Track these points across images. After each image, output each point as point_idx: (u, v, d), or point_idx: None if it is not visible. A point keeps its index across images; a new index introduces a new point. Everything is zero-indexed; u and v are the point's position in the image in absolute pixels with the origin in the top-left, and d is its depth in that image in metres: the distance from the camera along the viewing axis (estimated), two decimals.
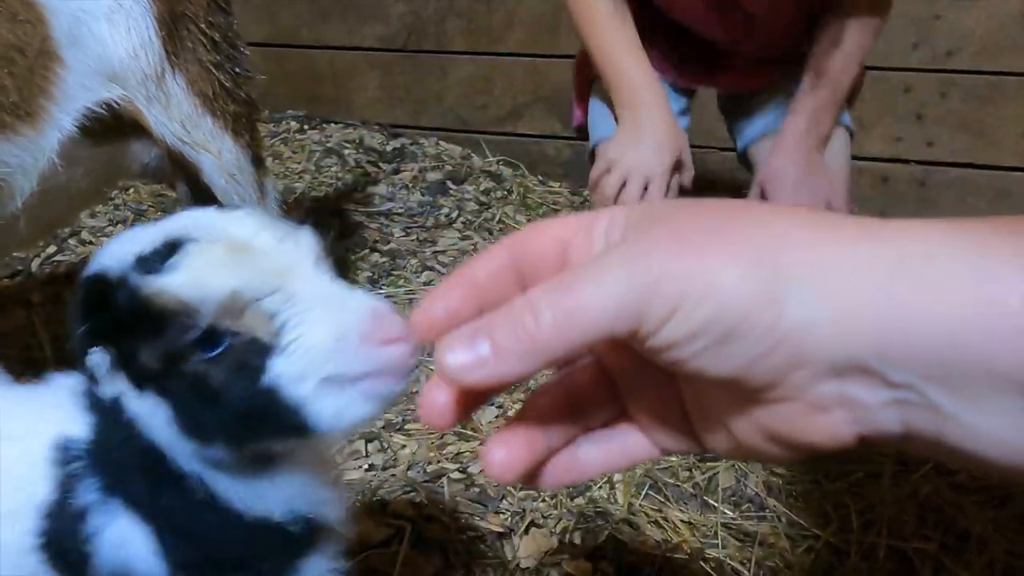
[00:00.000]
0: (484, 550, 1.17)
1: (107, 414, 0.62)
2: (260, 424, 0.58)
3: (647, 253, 0.37)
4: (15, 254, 1.94)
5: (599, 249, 0.42)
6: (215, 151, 1.24)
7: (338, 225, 2.20)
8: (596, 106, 1.56)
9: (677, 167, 1.42)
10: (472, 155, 2.66)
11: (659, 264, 0.36)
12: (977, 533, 1.25)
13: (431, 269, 2.03)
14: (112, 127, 1.18)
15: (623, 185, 1.39)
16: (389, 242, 2.15)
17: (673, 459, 1.40)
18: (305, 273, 0.57)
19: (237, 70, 1.28)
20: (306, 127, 2.82)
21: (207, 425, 0.58)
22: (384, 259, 2.07)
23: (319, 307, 0.56)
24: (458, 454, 1.37)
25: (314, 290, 0.56)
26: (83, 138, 1.14)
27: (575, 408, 0.46)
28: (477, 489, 1.29)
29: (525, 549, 1.18)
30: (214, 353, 0.55)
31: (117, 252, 0.58)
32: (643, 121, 1.37)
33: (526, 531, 1.21)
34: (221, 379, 0.56)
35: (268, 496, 0.63)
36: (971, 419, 0.34)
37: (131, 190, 2.32)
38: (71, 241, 2.07)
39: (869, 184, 2.29)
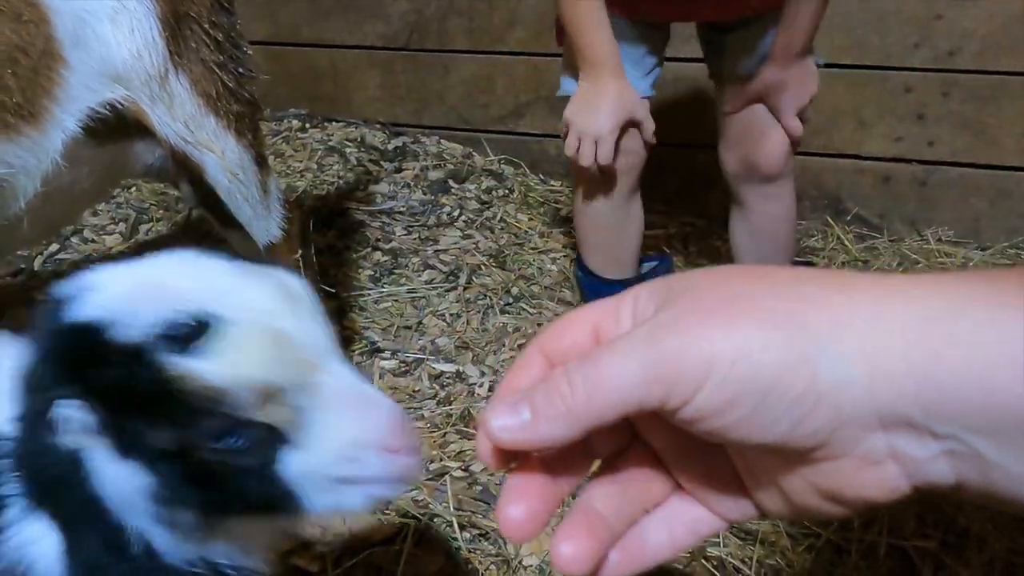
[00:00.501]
0: (487, 548, 1.18)
1: (43, 448, 0.56)
2: (251, 505, 0.57)
3: (670, 324, 0.39)
4: (18, 252, 1.94)
5: (627, 329, 0.43)
6: (218, 151, 1.25)
7: (340, 224, 2.20)
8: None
9: (632, 125, 1.50)
10: (473, 154, 2.67)
11: (683, 334, 0.38)
12: (977, 531, 1.25)
13: (433, 268, 2.04)
14: (116, 127, 1.18)
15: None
16: (391, 240, 2.16)
17: None
18: (329, 364, 0.56)
19: (240, 70, 1.29)
20: (307, 126, 2.82)
21: (190, 499, 0.56)
22: (386, 257, 2.08)
23: (341, 406, 0.55)
24: (460, 452, 1.38)
25: (337, 385, 0.56)
26: (86, 139, 1.14)
27: (628, 492, 0.46)
28: (480, 487, 1.29)
29: (528, 547, 1.18)
30: (232, 443, 0.54)
31: (127, 309, 0.54)
32: (598, 85, 1.45)
33: None
34: (231, 467, 0.54)
35: (211, 551, 0.61)
36: (1018, 468, 0.34)
37: (133, 188, 2.32)
38: (74, 239, 2.08)
39: (870, 184, 2.30)
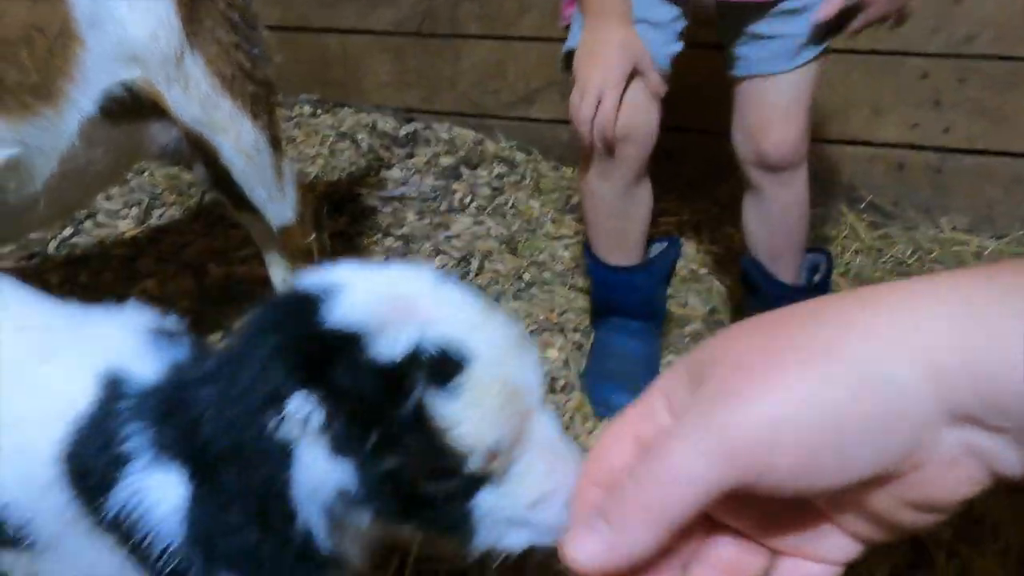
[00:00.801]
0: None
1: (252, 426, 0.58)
2: (429, 526, 0.60)
3: (718, 398, 0.37)
4: (32, 236, 1.95)
5: (667, 424, 0.42)
6: (233, 133, 1.25)
7: (352, 209, 2.20)
8: (577, 15, 1.49)
9: (636, 74, 1.38)
10: (485, 140, 2.66)
11: (736, 402, 0.36)
12: (992, 521, 1.25)
13: (445, 253, 2.03)
14: (131, 108, 1.18)
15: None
16: (403, 226, 2.16)
17: None
18: (539, 412, 0.58)
19: (255, 51, 1.28)
20: (319, 111, 2.82)
21: (379, 508, 0.58)
22: (398, 243, 2.08)
23: (543, 459, 0.57)
24: None
25: (540, 437, 0.58)
26: (102, 119, 1.15)
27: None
28: None
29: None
30: (447, 484, 0.56)
31: (384, 324, 0.55)
32: (600, 33, 1.34)
33: None
34: (436, 494, 0.57)
35: (347, 544, 0.65)
36: None
37: (146, 173, 2.32)
38: (87, 223, 2.08)
39: (884, 171, 2.28)
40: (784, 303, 1.60)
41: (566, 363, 1.62)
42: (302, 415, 0.54)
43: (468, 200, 2.30)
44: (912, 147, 2.23)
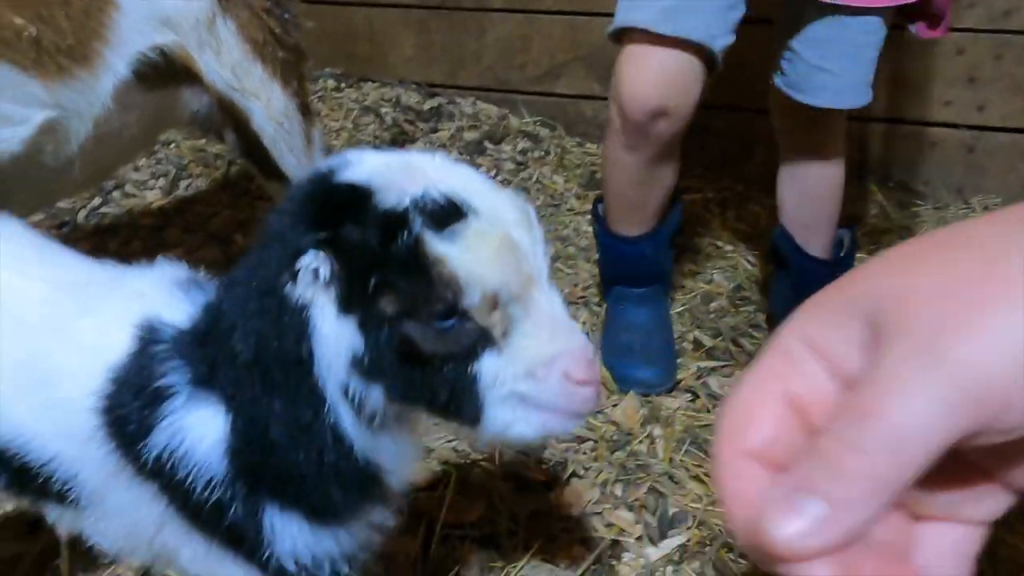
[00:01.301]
0: (527, 498, 1.19)
1: (249, 311, 0.61)
2: (439, 397, 0.60)
3: (934, 336, 0.32)
4: (62, 205, 1.97)
5: (828, 380, 0.37)
6: (264, 99, 1.25)
7: None
8: None
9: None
10: (509, 115, 2.64)
11: (963, 340, 0.31)
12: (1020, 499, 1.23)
13: None
14: (164, 73, 1.18)
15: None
16: None
17: (713, 417, 1.40)
18: (543, 285, 0.60)
19: (286, 16, 1.28)
20: (343, 85, 2.81)
21: (387, 372, 0.59)
22: None
23: (542, 325, 0.59)
24: None
25: (546, 306, 0.59)
26: (136, 83, 1.15)
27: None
28: None
29: (567, 499, 1.19)
30: (446, 325, 0.57)
31: (388, 181, 0.58)
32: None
33: (568, 481, 1.22)
34: (437, 349, 0.58)
35: (377, 447, 0.65)
36: None
37: (172, 145, 2.34)
38: (115, 194, 2.10)
39: (915, 149, 2.24)
40: (812, 277, 1.61)
41: (590, 336, 1.62)
42: (313, 268, 0.57)
43: (492, 175, 2.29)
44: (945, 125, 2.19)
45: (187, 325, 0.68)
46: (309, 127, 1.36)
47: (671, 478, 1.25)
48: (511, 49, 2.63)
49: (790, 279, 1.58)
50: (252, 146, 1.34)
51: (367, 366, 0.59)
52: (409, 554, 1.04)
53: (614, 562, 1.10)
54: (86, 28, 1.06)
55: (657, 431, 1.35)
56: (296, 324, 0.59)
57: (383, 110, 2.65)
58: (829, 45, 1.32)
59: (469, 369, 0.58)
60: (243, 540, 0.66)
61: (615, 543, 1.13)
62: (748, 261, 1.95)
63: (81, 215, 2.00)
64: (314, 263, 0.57)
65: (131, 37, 1.11)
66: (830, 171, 1.51)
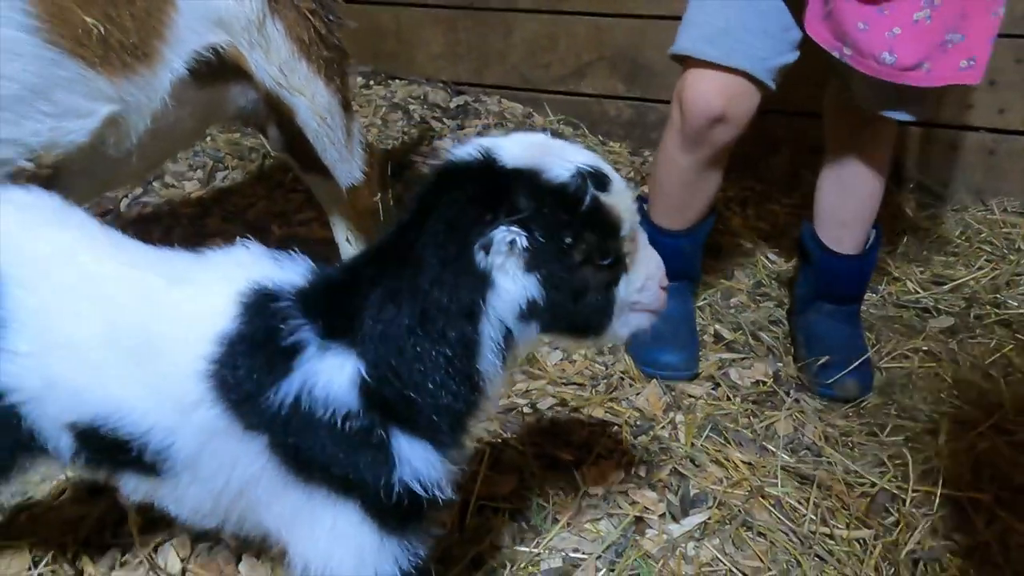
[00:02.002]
0: (556, 476, 1.25)
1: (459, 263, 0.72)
2: (582, 319, 0.78)
3: None
4: (106, 194, 2.05)
5: None
6: (309, 95, 1.31)
7: (407, 176, 2.26)
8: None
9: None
10: (533, 114, 2.70)
11: None
12: None
13: None
14: (216, 70, 1.25)
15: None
16: None
17: (733, 406, 1.45)
18: (637, 216, 0.79)
19: (330, 16, 1.35)
20: (372, 82, 2.88)
21: (555, 310, 0.75)
22: None
23: (644, 250, 0.80)
24: (526, 391, 1.44)
25: (641, 234, 0.80)
26: (191, 80, 1.22)
27: None
28: (547, 422, 1.36)
29: (593, 478, 1.25)
30: (607, 262, 0.76)
31: (540, 158, 0.73)
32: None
33: (595, 462, 1.28)
34: (595, 282, 0.76)
35: (496, 380, 0.78)
36: None
37: (209, 138, 2.41)
38: (155, 184, 2.18)
39: (937, 151, 2.27)
40: (835, 272, 1.66)
41: None
42: (507, 241, 0.71)
43: None
44: (965, 128, 2.22)
45: (304, 286, 0.76)
46: (350, 122, 1.43)
47: (692, 461, 1.31)
48: (537, 48, 2.68)
49: (813, 272, 1.63)
50: (295, 140, 1.41)
51: (540, 309, 0.74)
52: (447, 523, 1.10)
53: (638, 537, 1.16)
54: (148, 27, 1.13)
55: (679, 418, 1.41)
56: (478, 286, 0.72)
57: (411, 107, 2.72)
58: None
59: (612, 291, 0.78)
60: (359, 475, 0.73)
61: (639, 520, 1.19)
62: (768, 258, 2.00)
63: (124, 204, 2.09)
64: (508, 237, 0.70)
65: (188, 36, 1.18)
66: (874, 174, 1.54)
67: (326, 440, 0.72)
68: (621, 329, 0.81)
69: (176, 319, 0.76)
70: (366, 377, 0.72)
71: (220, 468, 0.76)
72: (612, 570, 1.11)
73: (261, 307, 0.74)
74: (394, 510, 0.75)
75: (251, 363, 0.73)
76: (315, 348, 0.73)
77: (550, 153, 0.73)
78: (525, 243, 0.71)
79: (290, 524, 0.78)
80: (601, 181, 0.74)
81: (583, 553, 1.13)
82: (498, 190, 0.71)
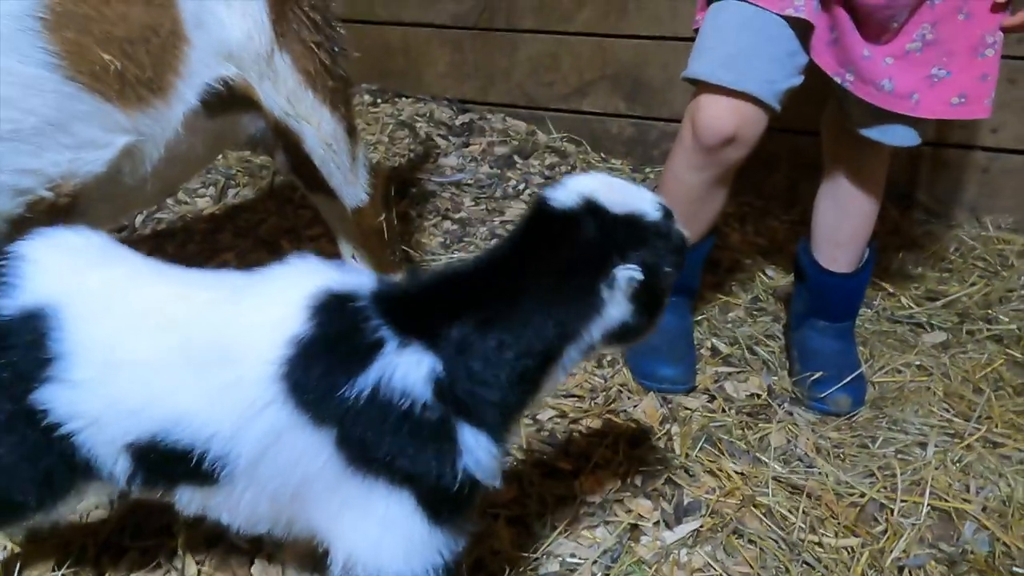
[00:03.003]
0: (555, 484, 1.30)
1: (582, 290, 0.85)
2: (655, 318, 0.92)
3: None
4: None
5: None
6: (315, 123, 1.37)
7: (412, 194, 2.33)
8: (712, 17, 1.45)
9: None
10: (537, 131, 2.76)
11: None
12: (1020, 498, 1.31)
13: (500, 237, 2.15)
14: (227, 101, 1.31)
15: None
16: (460, 211, 2.28)
17: (728, 418, 1.49)
18: None
19: (335, 48, 1.41)
20: (379, 100, 2.95)
21: (629, 328, 0.89)
22: (455, 226, 2.20)
23: None
24: None
25: None
26: (202, 111, 1.28)
27: None
28: (546, 433, 1.41)
29: (591, 486, 1.30)
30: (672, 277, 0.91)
31: (638, 202, 0.88)
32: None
33: (592, 471, 1.33)
34: (665, 292, 0.92)
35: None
36: None
37: (221, 157, 2.48)
38: (169, 201, 2.25)
39: (931, 169, 2.31)
40: (829, 290, 1.72)
41: None
42: (627, 278, 0.84)
43: (522, 187, 2.41)
44: (960, 146, 2.26)
45: (378, 290, 0.84)
46: (354, 147, 1.49)
47: (687, 471, 1.35)
48: (540, 67, 2.75)
49: (808, 289, 1.67)
50: (301, 164, 1.47)
51: (625, 328, 0.89)
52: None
53: (633, 544, 1.20)
54: (163, 62, 1.19)
55: (675, 429, 1.45)
56: (592, 316, 0.86)
57: (417, 124, 2.78)
58: None
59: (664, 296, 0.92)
60: (424, 463, 0.80)
61: (634, 527, 1.23)
62: (765, 274, 2.04)
63: (138, 220, 2.16)
64: (628, 275, 0.84)
65: (200, 70, 1.24)
66: (870, 194, 1.59)
67: (396, 430, 0.79)
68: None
69: (246, 329, 0.81)
70: (441, 376, 0.80)
71: (280, 469, 0.81)
72: (607, 575, 1.15)
73: (338, 308, 0.81)
74: (446, 501, 0.81)
75: (328, 361, 0.79)
76: (394, 345, 0.80)
77: (631, 195, 0.88)
78: (640, 277, 0.85)
79: (340, 519, 0.83)
80: (669, 212, 0.91)
81: (579, 558, 1.18)
82: (613, 232, 0.85)
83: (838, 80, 1.39)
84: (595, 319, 0.86)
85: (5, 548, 1.15)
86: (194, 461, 0.81)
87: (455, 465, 0.80)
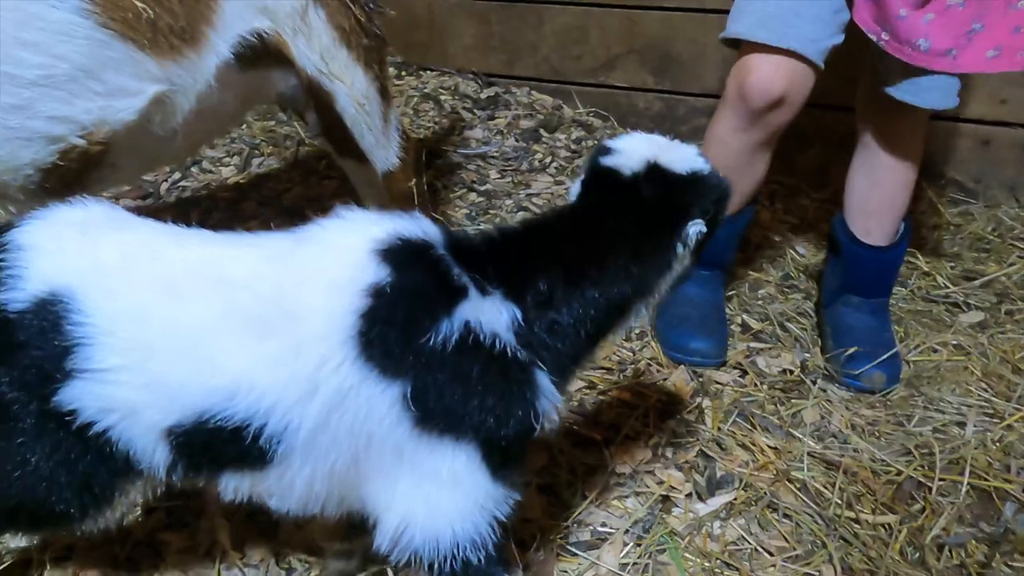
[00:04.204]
0: (585, 454, 1.27)
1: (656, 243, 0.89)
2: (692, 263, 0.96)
3: None
4: (145, 178, 2.11)
5: None
6: (348, 82, 1.35)
7: (438, 165, 2.30)
8: None
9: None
10: (563, 106, 2.72)
11: None
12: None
13: (525, 209, 2.12)
14: (260, 55, 1.29)
15: None
16: (485, 183, 2.25)
17: (760, 393, 1.46)
18: None
19: (371, 5, 1.38)
20: (403, 73, 2.91)
21: (686, 274, 0.95)
22: (481, 199, 2.17)
23: None
24: None
25: None
26: (235, 64, 1.26)
27: None
28: (576, 403, 1.39)
29: (621, 457, 1.27)
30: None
31: (694, 160, 0.90)
32: None
33: (622, 442, 1.30)
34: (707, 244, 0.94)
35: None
36: None
37: (245, 126, 2.46)
38: (194, 169, 2.23)
39: (969, 147, 2.26)
40: (863, 263, 1.66)
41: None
42: (696, 234, 0.88)
43: (548, 161, 2.37)
44: (999, 124, 2.21)
45: (454, 240, 0.83)
46: (387, 109, 1.46)
47: (719, 444, 1.33)
48: (567, 40, 2.70)
49: (842, 263, 1.63)
50: (332, 126, 1.44)
51: (679, 277, 0.94)
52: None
53: (664, 515, 1.18)
54: (196, 12, 1.17)
55: (706, 403, 1.43)
56: (664, 271, 0.91)
57: (442, 97, 2.75)
58: None
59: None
60: (504, 404, 0.79)
61: (665, 498, 1.21)
62: (796, 251, 2.00)
63: (163, 187, 2.14)
64: (697, 230, 0.88)
65: (234, 21, 1.22)
66: (904, 165, 1.54)
67: (477, 377, 0.77)
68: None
69: (308, 284, 0.76)
70: (521, 323, 0.81)
71: (343, 434, 0.77)
72: (639, 545, 1.13)
73: (416, 256, 0.79)
74: (509, 450, 0.81)
75: (409, 307, 0.76)
76: (477, 292, 0.79)
77: (681, 151, 0.90)
78: (704, 231, 0.89)
79: (397, 485, 0.80)
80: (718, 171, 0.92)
81: (611, 528, 1.16)
82: (680, 192, 0.88)
83: (874, 38, 1.35)
84: (667, 274, 0.91)
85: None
86: (247, 440, 0.75)
87: (536, 408, 0.81)
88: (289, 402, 0.75)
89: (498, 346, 0.79)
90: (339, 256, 0.78)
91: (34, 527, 0.89)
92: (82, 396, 0.75)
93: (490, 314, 0.80)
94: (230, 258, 0.80)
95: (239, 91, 1.33)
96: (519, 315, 0.81)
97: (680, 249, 0.89)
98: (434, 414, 0.77)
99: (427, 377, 0.76)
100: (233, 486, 0.82)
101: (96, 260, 0.78)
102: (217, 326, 0.75)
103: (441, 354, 0.76)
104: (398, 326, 0.76)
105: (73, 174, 1.10)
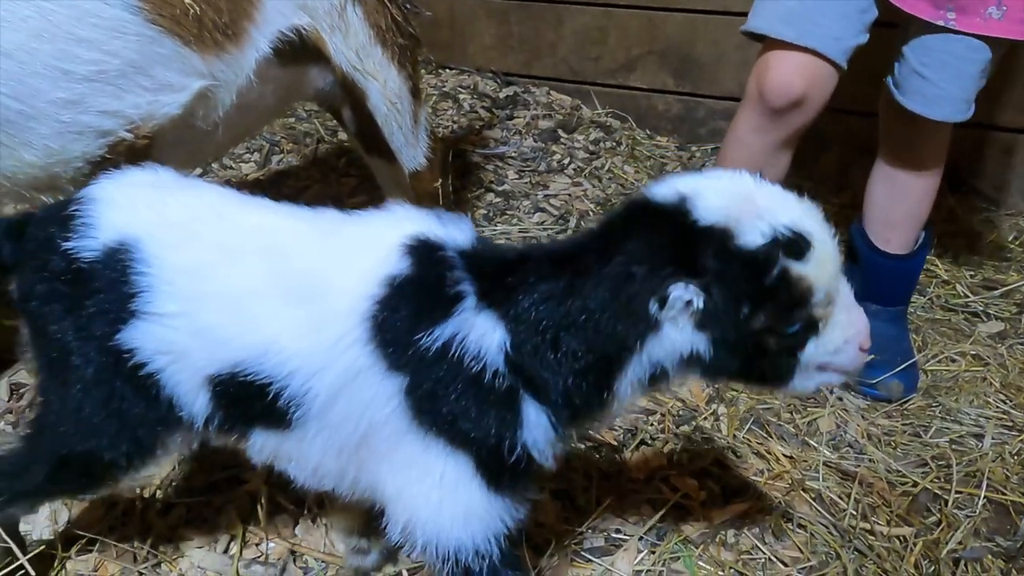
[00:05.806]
0: (600, 459, 1.29)
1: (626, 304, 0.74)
2: (755, 374, 0.79)
3: None
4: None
5: None
6: (382, 80, 1.36)
7: (456, 165, 2.31)
8: None
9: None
10: (582, 106, 2.73)
11: None
12: None
13: (543, 211, 2.13)
14: (298, 51, 1.31)
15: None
16: (503, 183, 2.26)
17: (776, 401, 1.47)
18: (841, 278, 0.77)
19: (407, 5, 1.39)
20: (423, 71, 2.93)
21: (724, 368, 0.77)
22: (498, 199, 2.18)
23: (844, 311, 0.77)
24: None
25: (844, 295, 0.78)
26: (274, 59, 1.28)
27: None
28: None
29: (636, 463, 1.29)
30: (793, 330, 0.75)
31: (738, 217, 0.71)
32: None
33: (637, 448, 1.32)
34: (775, 348, 0.76)
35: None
36: None
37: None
38: (215, 165, 2.25)
39: (993, 155, 2.26)
40: (882, 271, 1.66)
41: None
42: (684, 300, 0.72)
43: (566, 162, 2.38)
44: (1021, 131, 2.20)
45: (469, 247, 0.82)
46: (418, 108, 1.48)
47: (734, 452, 1.34)
48: (587, 41, 2.71)
49: (861, 272, 1.64)
50: (364, 124, 1.46)
51: (705, 362, 0.76)
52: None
53: (679, 522, 1.19)
54: (238, 8, 1.19)
55: (721, 410, 1.44)
56: (641, 329, 0.75)
57: (461, 96, 2.76)
58: (930, 53, 1.37)
59: (795, 355, 0.77)
60: (486, 427, 0.78)
61: (680, 505, 1.22)
62: None
63: None
64: (686, 295, 0.72)
65: (274, 18, 1.23)
66: (928, 174, 1.54)
67: (463, 390, 0.77)
68: (803, 384, 0.80)
69: (342, 264, 0.80)
70: (510, 349, 0.78)
71: (351, 413, 0.80)
72: (653, 552, 1.14)
73: (428, 254, 0.80)
74: (504, 469, 0.80)
75: (413, 304, 0.78)
76: (473, 303, 0.78)
77: (751, 209, 0.72)
78: (701, 305, 0.72)
79: (400, 477, 0.82)
80: (799, 248, 0.71)
81: (625, 534, 1.17)
82: (686, 244, 0.72)
83: (940, 23, 1.33)
84: (650, 337, 0.75)
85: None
86: (271, 396, 0.80)
87: (515, 435, 0.79)
88: (309, 370, 0.79)
89: (484, 363, 0.77)
90: (372, 246, 0.81)
91: (80, 481, 0.92)
92: (141, 336, 0.82)
93: (482, 329, 0.78)
94: (283, 228, 0.84)
95: (278, 86, 1.34)
96: (509, 339, 0.78)
97: (655, 310, 0.73)
98: (426, 414, 0.79)
99: (421, 376, 0.78)
100: (260, 444, 0.87)
101: (163, 216, 0.85)
102: (261, 288, 0.80)
103: (433, 357, 0.77)
104: (402, 319, 0.78)
105: (120, 167, 1.12)
